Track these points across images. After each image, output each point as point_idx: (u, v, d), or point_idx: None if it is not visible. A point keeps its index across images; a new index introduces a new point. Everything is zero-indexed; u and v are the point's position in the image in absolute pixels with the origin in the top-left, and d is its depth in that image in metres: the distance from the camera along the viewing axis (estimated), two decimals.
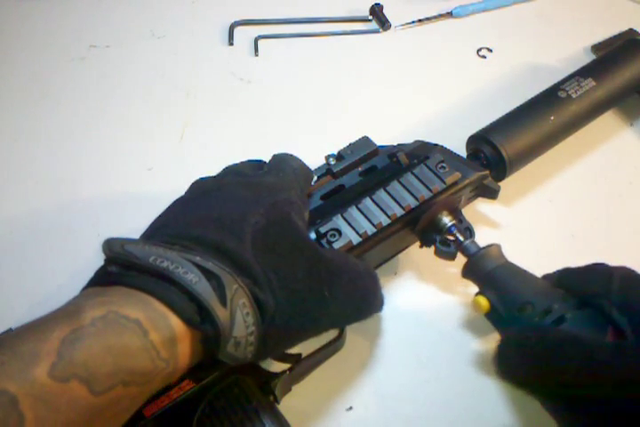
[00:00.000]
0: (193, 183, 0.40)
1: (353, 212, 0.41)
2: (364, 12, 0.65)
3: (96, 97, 0.59)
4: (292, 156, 0.42)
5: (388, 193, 0.42)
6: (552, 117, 0.49)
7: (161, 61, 0.61)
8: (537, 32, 0.63)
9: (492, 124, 0.49)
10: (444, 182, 0.42)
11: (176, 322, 0.29)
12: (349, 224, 0.40)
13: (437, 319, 0.45)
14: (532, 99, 0.51)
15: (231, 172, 0.41)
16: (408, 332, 0.45)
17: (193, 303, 0.30)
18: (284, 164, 0.41)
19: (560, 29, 0.57)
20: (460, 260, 0.42)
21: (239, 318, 0.31)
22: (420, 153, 0.45)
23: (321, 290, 0.35)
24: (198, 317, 0.30)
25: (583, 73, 0.52)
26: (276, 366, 0.39)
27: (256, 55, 0.62)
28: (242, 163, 0.42)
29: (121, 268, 0.31)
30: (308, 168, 0.42)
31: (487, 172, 0.46)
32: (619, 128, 0.56)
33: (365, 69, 0.61)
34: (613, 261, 0.38)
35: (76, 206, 0.51)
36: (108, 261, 0.32)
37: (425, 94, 0.58)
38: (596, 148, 0.55)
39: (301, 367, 0.40)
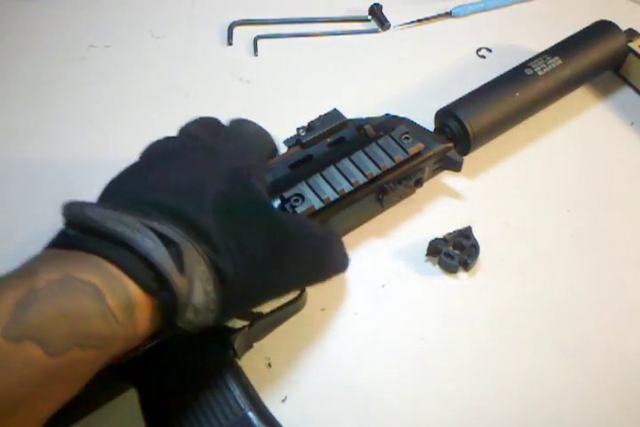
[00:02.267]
0: (148, 146, 0.39)
1: (317, 179, 0.43)
2: (364, 11, 0.65)
3: (96, 97, 0.59)
4: (248, 121, 0.43)
5: (353, 162, 0.44)
6: (517, 94, 0.50)
7: (160, 61, 0.61)
8: (536, 32, 0.63)
9: (458, 100, 0.51)
10: (407, 153, 0.45)
11: (133, 288, 0.29)
12: (313, 190, 0.43)
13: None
14: (500, 76, 0.53)
15: (188, 135, 0.40)
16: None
17: (150, 270, 0.30)
18: (242, 129, 0.41)
19: (560, 29, 0.57)
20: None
21: (198, 286, 0.31)
22: (388, 126, 0.47)
23: (280, 256, 0.35)
24: (156, 284, 0.30)
25: (550, 52, 0.54)
26: (237, 323, 0.40)
27: (255, 55, 0.62)
28: (195, 123, 0.41)
29: (80, 231, 0.31)
30: (265, 132, 0.43)
31: (451, 144, 0.48)
32: (619, 127, 0.56)
33: (365, 69, 0.61)
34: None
35: None
36: (67, 224, 0.31)
37: (425, 94, 0.58)
38: (595, 147, 0.55)
39: (261, 324, 0.41)
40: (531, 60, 0.53)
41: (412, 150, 0.45)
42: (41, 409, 0.27)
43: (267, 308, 0.41)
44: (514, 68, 0.53)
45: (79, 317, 0.28)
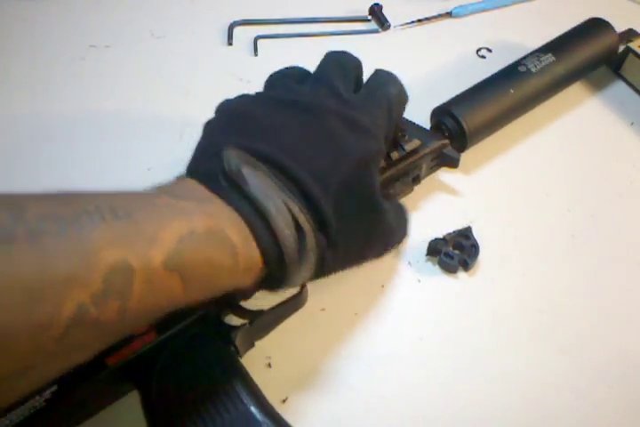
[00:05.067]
0: (263, 91, 0.42)
1: None
2: (364, 12, 0.65)
3: (95, 97, 0.59)
4: (393, 77, 0.43)
5: None
6: (512, 90, 0.51)
7: (160, 61, 0.61)
8: (537, 32, 0.62)
9: (454, 97, 0.52)
10: (404, 149, 0.45)
11: (258, 257, 0.32)
12: None
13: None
14: (494, 74, 0.54)
15: (323, 85, 0.39)
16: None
17: (276, 248, 0.32)
18: (383, 89, 0.41)
19: (560, 29, 0.57)
20: None
21: (302, 274, 0.34)
22: None
23: (370, 248, 0.39)
24: (276, 262, 0.33)
25: (543, 49, 0.55)
26: (237, 320, 0.41)
27: (255, 55, 0.62)
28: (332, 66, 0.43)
29: (230, 186, 0.33)
30: (406, 96, 0.43)
31: (447, 141, 0.49)
32: (619, 127, 0.56)
33: (365, 69, 0.61)
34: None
35: None
36: (223, 173, 0.33)
37: (424, 94, 0.58)
38: (595, 147, 0.55)
39: (262, 322, 0.41)
40: (524, 57, 0.54)
41: (409, 147, 0.46)
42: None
43: (267, 305, 0.41)
44: (508, 66, 0.54)
45: (218, 268, 0.30)
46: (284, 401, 0.41)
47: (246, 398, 0.36)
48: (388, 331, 0.45)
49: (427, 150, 0.47)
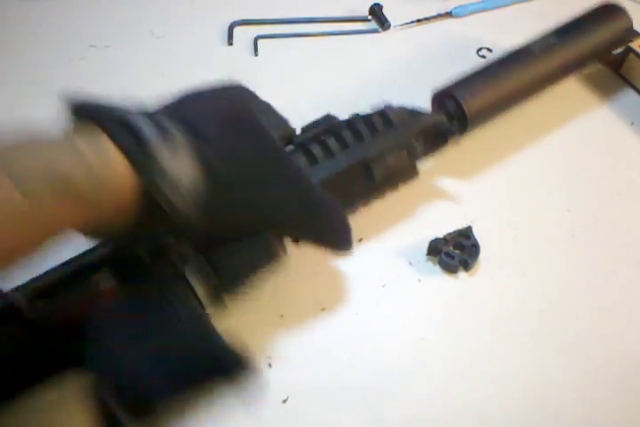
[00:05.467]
0: None
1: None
2: (364, 11, 0.65)
3: (95, 97, 0.59)
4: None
5: (333, 133, 0.43)
6: (514, 72, 0.51)
7: (160, 61, 0.61)
8: (537, 32, 0.62)
9: (454, 81, 0.51)
10: (391, 119, 0.44)
11: (111, 145, 0.30)
12: None
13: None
14: (497, 57, 0.53)
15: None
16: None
17: (133, 138, 0.30)
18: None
19: None
20: None
21: (179, 161, 0.31)
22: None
23: (268, 170, 0.35)
24: (134, 145, 0.30)
25: (549, 32, 0.54)
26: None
27: (255, 55, 0.62)
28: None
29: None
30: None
31: (442, 115, 0.48)
32: (619, 127, 0.56)
33: (365, 69, 0.61)
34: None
35: None
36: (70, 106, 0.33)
37: (424, 94, 0.58)
38: (595, 147, 0.55)
39: (222, 261, 0.37)
40: (530, 41, 0.53)
41: (395, 118, 0.45)
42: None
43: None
44: (511, 50, 0.53)
45: (54, 161, 0.28)
46: (284, 401, 0.41)
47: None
48: (389, 331, 0.45)
49: (419, 124, 0.46)
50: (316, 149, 0.43)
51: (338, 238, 0.40)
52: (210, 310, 0.38)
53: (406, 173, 0.47)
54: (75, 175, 0.29)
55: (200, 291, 0.37)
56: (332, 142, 0.43)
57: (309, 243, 0.40)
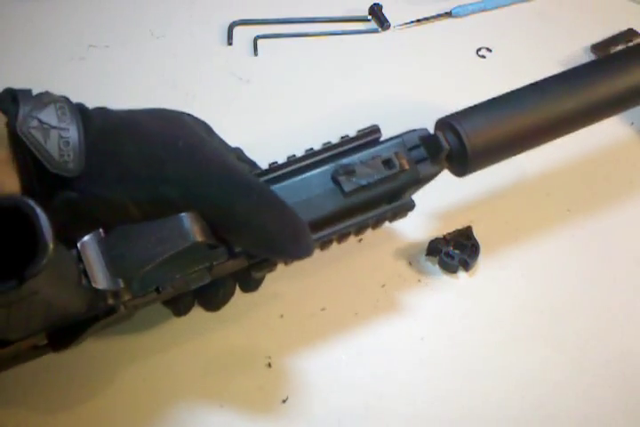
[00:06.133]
0: None
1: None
2: (363, 11, 0.65)
3: (95, 97, 0.58)
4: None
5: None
6: (533, 108, 0.40)
7: (160, 61, 0.61)
8: (536, 32, 0.63)
9: (461, 110, 0.41)
10: (359, 131, 0.39)
11: None
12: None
13: None
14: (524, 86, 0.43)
15: None
16: None
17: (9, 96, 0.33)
18: None
19: (560, 29, 0.57)
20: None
21: (51, 110, 0.32)
22: None
23: (175, 138, 0.34)
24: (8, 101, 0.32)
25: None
26: None
27: (255, 55, 0.62)
28: None
29: None
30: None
31: (425, 128, 0.40)
32: (619, 127, 0.56)
33: (365, 69, 0.61)
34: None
35: None
36: None
37: (424, 94, 0.58)
38: (595, 147, 0.55)
39: (121, 232, 0.32)
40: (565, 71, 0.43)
41: (367, 129, 0.39)
42: None
43: None
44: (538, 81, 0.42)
45: None
46: (284, 401, 0.41)
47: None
48: (389, 331, 0.45)
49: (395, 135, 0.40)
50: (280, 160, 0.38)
51: (283, 235, 0.33)
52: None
53: (398, 208, 0.41)
54: None
55: (88, 264, 0.31)
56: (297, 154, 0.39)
57: (250, 246, 0.34)
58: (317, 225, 0.37)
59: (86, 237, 0.31)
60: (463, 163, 0.41)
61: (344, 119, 0.56)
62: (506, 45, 0.62)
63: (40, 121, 0.32)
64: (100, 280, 0.31)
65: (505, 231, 0.50)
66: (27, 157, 0.32)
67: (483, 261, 0.48)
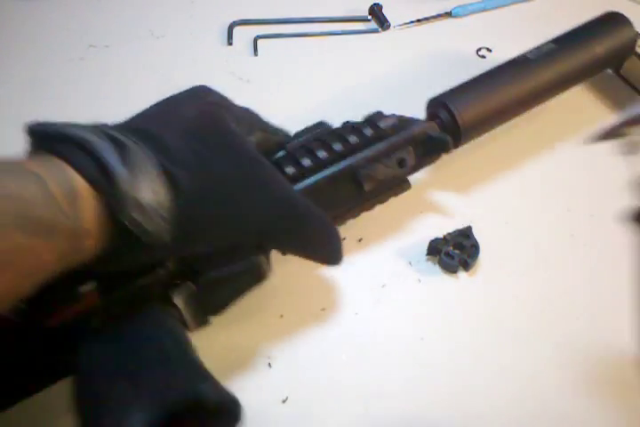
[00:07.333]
0: None
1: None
2: (364, 11, 0.65)
3: (95, 97, 0.59)
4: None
5: (320, 141, 0.43)
6: (511, 81, 0.49)
7: (160, 61, 0.61)
8: (536, 32, 0.62)
9: (449, 90, 0.50)
10: (378, 126, 0.44)
11: (75, 177, 0.29)
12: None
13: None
14: (495, 66, 0.51)
15: None
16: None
17: (93, 161, 0.30)
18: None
19: (559, 29, 0.57)
20: None
21: (144, 183, 0.31)
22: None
23: (245, 179, 0.35)
24: (97, 173, 0.30)
25: (548, 41, 0.52)
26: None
27: (255, 55, 0.62)
28: None
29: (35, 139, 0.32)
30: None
31: (433, 123, 0.47)
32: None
33: (364, 69, 0.61)
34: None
35: None
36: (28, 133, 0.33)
37: (424, 94, 0.58)
38: (595, 147, 0.55)
39: (211, 286, 0.38)
40: (529, 50, 0.52)
41: (384, 124, 0.44)
42: None
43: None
44: (509, 59, 0.52)
45: (19, 197, 0.27)
46: (284, 401, 0.41)
47: (192, 375, 0.33)
48: (389, 331, 0.45)
49: (409, 131, 0.45)
50: (305, 159, 0.42)
51: (326, 251, 0.40)
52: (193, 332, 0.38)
53: (397, 184, 0.46)
54: (41, 212, 0.28)
55: (185, 313, 0.38)
56: (320, 152, 0.42)
57: (297, 255, 0.39)
58: (337, 219, 0.43)
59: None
60: (456, 136, 0.47)
61: (344, 119, 0.56)
62: (506, 45, 0.62)
63: (139, 205, 0.30)
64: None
65: (505, 231, 0.50)
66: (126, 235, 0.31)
67: (483, 261, 0.48)
